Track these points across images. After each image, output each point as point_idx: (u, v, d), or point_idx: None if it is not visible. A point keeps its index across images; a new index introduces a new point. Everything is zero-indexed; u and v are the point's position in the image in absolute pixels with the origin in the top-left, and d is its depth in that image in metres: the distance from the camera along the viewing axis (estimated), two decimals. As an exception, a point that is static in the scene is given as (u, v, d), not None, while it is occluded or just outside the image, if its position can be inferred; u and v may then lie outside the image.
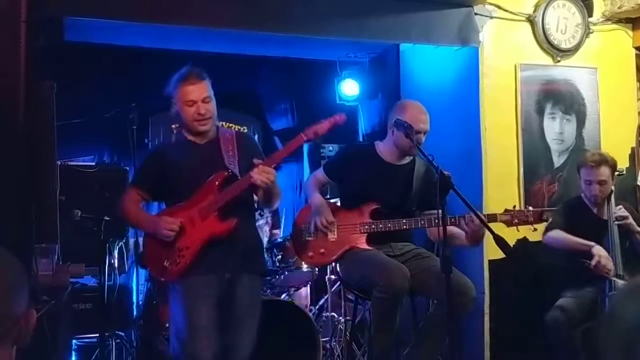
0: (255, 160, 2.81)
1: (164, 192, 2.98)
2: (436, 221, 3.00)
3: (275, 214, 4.91)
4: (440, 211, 2.72)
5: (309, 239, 3.36)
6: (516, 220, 3.12)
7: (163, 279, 2.98)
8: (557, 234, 3.69)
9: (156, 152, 3.06)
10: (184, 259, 2.78)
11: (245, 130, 2.99)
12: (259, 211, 4.76)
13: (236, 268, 2.81)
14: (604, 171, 3.67)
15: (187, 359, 2.73)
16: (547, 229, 3.71)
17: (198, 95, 2.83)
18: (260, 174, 2.74)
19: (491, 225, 2.91)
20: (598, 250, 3.55)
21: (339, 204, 3.58)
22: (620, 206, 3.72)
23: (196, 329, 2.72)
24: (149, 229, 2.89)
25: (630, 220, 3.66)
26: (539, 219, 3.16)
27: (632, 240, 3.68)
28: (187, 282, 2.79)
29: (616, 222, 3.64)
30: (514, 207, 3.20)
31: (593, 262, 3.52)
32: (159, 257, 2.84)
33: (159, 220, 2.85)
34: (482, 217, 2.99)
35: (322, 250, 3.34)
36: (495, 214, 3.13)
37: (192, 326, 2.72)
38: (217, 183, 2.82)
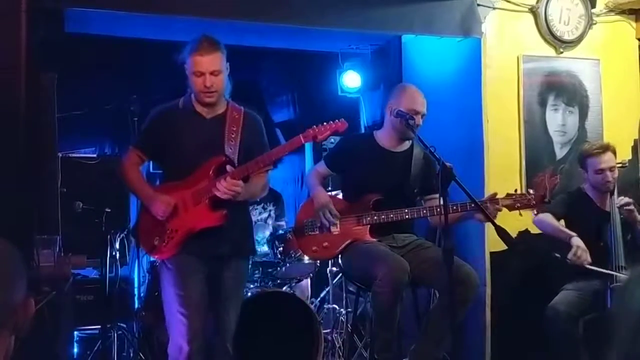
0: (228, 167, 2.80)
1: (160, 155, 3.00)
2: (438, 210, 3.01)
3: (279, 205, 4.90)
4: (442, 202, 2.73)
5: (312, 233, 3.36)
6: (518, 204, 3.10)
7: (152, 256, 3.04)
8: (545, 217, 3.66)
9: (160, 117, 2.97)
10: (173, 241, 2.83)
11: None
12: (262, 204, 4.77)
13: (226, 252, 2.87)
14: (611, 156, 3.68)
15: (178, 333, 2.75)
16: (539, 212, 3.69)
17: (207, 67, 2.78)
18: (227, 187, 2.74)
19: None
20: (576, 241, 3.54)
21: (340, 196, 3.58)
22: (623, 197, 3.71)
23: (187, 303, 2.76)
24: (144, 201, 2.93)
25: (634, 208, 3.65)
26: (541, 201, 3.15)
27: (634, 230, 3.67)
28: (177, 260, 2.83)
29: (623, 209, 3.61)
30: (516, 190, 3.18)
31: (570, 255, 3.51)
32: (150, 233, 2.89)
33: (156, 197, 2.87)
34: (484, 206, 2.98)
35: (325, 244, 3.34)
36: (497, 199, 3.11)
37: (183, 300, 2.77)
38: (212, 168, 2.82)
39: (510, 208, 3.10)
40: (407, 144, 3.38)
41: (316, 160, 5.17)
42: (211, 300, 2.85)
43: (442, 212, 2.77)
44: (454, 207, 3.02)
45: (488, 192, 3.97)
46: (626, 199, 3.66)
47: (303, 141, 2.81)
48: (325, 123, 2.83)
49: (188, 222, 2.83)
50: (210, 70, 2.79)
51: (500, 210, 3.05)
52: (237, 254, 2.94)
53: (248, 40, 4.57)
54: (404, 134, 3.30)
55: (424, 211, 3.22)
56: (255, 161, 2.81)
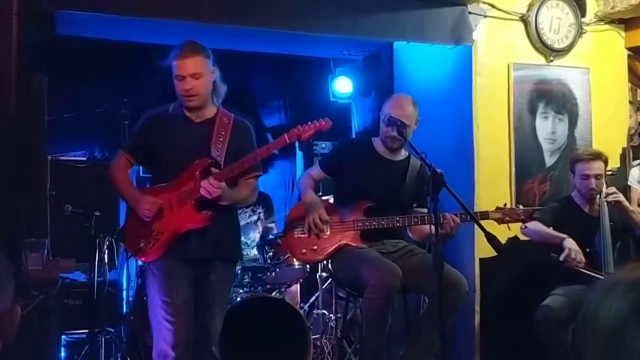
0: (213, 169, 2.81)
1: (149, 159, 3.01)
2: (428, 219, 3.02)
3: (269, 207, 4.89)
4: (432, 208, 2.73)
5: (302, 235, 3.35)
6: (507, 218, 3.16)
7: (138, 258, 3.07)
8: (534, 226, 3.68)
9: (151, 121, 2.99)
10: (159, 243, 2.82)
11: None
12: (251, 207, 4.76)
13: (210, 256, 2.87)
14: (600, 165, 3.71)
15: (163, 339, 2.75)
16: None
17: (187, 71, 2.79)
18: (208, 187, 2.74)
19: (481, 222, 2.92)
20: (569, 243, 3.56)
21: (331, 200, 3.58)
22: (613, 187, 3.75)
23: (172, 310, 2.76)
24: (131, 203, 2.93)
25: (621, 197, 3.69)
26: (529, 217, 3.20)
27: (627, 220, 3.70)
28: (162, 265, 2.83)
29: (609, 199, 3.65)
30: (505, 205, 3.22)
31: (562, 256, 3.53)
32: (137, 235, 2.88)
33: (141, 198, 2.87)
34: (474, 215, 3.00)
35: (314, 247, 3.33)
36: (487, 212, 3.17)
37: (168, 307, 2.77)
38: (198, 170, 2.82)
39: (500, 221, 3.16)
40: (404, 154, 3.38)
41: (307, 165, 5.17)
42: (197, 304, 2.85)
43: (434, 220, 2.77)
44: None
45: (478, 198, 4.02)
46: (612, 189, 3.70)
47: (288, 141, 2.82)
48: (309, 122, 2.85)
49: (174, 223, 2.83)
50: (190, 74, 2.80)
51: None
52: (223, 258, 2.94)
53: (240, 45, 4.58)
54: (390, 144, 3.30)
55: (415, 219, 3.23)
56: (241, 161, 2.81)
